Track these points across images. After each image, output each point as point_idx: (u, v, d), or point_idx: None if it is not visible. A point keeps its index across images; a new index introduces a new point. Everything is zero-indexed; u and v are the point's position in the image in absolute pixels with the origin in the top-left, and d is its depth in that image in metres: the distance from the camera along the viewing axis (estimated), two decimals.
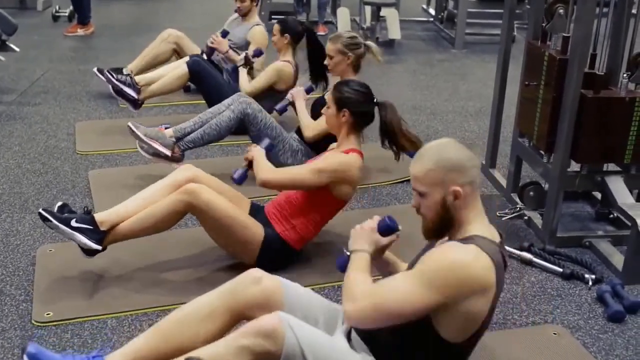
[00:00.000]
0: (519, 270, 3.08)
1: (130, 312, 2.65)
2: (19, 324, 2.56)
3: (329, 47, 3.69)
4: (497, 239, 1.96)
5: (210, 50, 4.73)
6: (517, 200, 3.61)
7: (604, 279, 2.99)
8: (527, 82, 3.44)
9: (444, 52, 7.05)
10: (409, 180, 3.88)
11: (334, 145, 3.15)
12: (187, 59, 4.64)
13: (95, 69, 4.76)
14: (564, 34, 3.23)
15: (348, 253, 2.08)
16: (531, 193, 3.53)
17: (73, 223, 2.70)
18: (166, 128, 3.79)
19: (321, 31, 7.33)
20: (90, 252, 2.76)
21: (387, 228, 2.08)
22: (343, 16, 7.13)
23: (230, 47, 4.70)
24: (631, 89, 3.19)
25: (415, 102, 5.40)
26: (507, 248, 3.13)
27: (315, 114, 3.69)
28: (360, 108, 2.88)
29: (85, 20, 7.08)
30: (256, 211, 3.00)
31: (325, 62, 3.74)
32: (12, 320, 2.58)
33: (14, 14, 5.22)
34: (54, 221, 2.68)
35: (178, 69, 4.50)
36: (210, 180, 2.92)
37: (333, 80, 3.93)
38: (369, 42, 3.71)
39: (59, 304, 2.67)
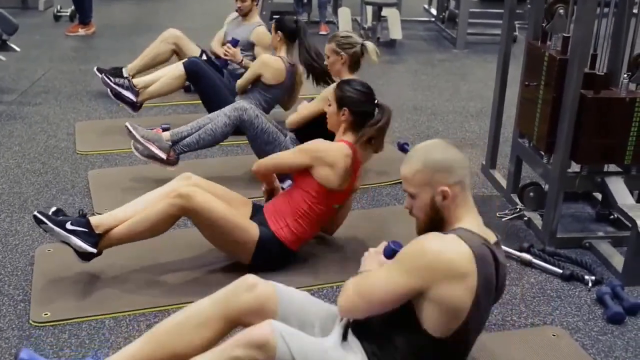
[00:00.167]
0: (519, 271, 3.07)
1: (127, 312, 2.64)
2: (17, 324, 2.56)
3: (326, 47, 3.71)
4: (491, 238, 1.97)
5: (224, 62, 4.75)
6: (517, 200, 3.60)
7: (603, 280, 2.98)
8: (527, 83, 3.43)
9: (445, 52, 7.04)
10: None
11: None
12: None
13: (95, 69, 4.76)
14: (564, 34, 3.22)
15: (392, 245, 2.15)
16: (531, 194, 3.52)
17: (68, 225, 2.69)
18: (165, 129, 3.78)
19: (323, 30, 7.33)
20: (85, 256, 2.75)
21: (391, 252, 2.13)
22: (344, 16, 7.12)
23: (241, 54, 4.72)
24: (632, 90, 3.18)
25: (416, 102, 5.39)
26: (507, 249, 3.13)
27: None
28: (360, 108, 2.90)
29: (86, 20, 7.09)
30: (256, 211, 3.00)
31: (325, 61, 3.74)
32: (10, 320, 2.58)
33: (15, 14, 5.23)
34: (49, 224, 2.68)
35: (175, 69, 4.49)
36: (208, 186, 2.92)
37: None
38: (367, 42, 3.69)
39: (57, 304, 2.67)
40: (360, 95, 2.92)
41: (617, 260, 3.09)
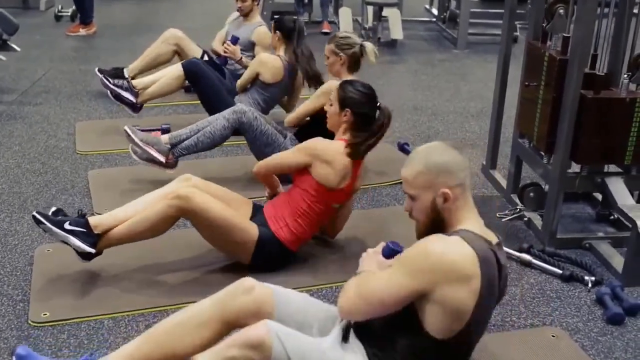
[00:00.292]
0: (518, 271, 3.07)
1: (126, 312, 2.64)
2: (16, 324, 2.56)
3: (326, 48, 3.72)
4: (493, 239, 1.96)
5: (224, 60, 4.76)
6: (517, 201, 3.60)
7: (603, 281, 2.97)
8: (527, 83, 3.43)
9: (445, 52, 7.03)
10: None
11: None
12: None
13: (96, 70, 4.76)
14: (565, 34, 3.21)
15: (391, 244, 2.13)
16: (531, 194, 3.51)
17: (66, 226, 2.70)
18: (166, 129, 3.78)
19: (325, 29, 7.34)
20: (85, 256, 2.75)
21: (389, 252, 2.12)
22: (345, 16, 7.12)
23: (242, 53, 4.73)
24: (632, 90, 3.17)
25: (416, 102, 5.39)
26: (507, 249, 3.12)
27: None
28: (362, 109, 2.91)
29: (87, 20, 7.08)
30: (256, 211, 3.00)
31: (325, 62, 3.75)
32: (9, 320, 2.58)
33: (16, 14, 5.23)
34: (47, 224, 2.68)
35: (174, 70, 4.49)
36: (208, 188, 2.91)
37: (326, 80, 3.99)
38: (365, 43, 3.70)
39: (56, 304, 2.67)
40: (363, 96, 2.93)
41: (617, 260, 3.08)
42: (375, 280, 1.94)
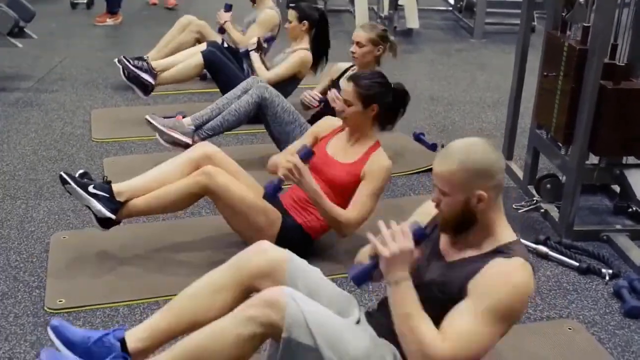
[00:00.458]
0: (535, 264, 3.04)
1: (142, 300, 2.65)
2: (32, 310, 2.57)
3: (361, 35, 3.66)
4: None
5: (221, 29, 4.88)
6: (534, 192, 3.57)
7: (621, 274, 2.94)
8: (546, 73, 3.39)
9: (462, 41, 6.98)
10: (424, 171, 3.88)
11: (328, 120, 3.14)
12: (202, 47, 4.62)
13: (116, 60, 4.73)
14: (585, 24, 3.17)
15: (363, 265, 1.93)
16: (548, 185, 3.48)
17: (91, 189, 2.72)
18: (183, 117, 3.78)
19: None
20: (104, 223, 2.77)
21: (422, 239, 1.88)
22: (361, 5, 7.08)
23: (244, 32, 4.78)
24: None
25: (432, 92, 5.35)
26: (523, 241, 3.09)
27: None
28: (386, 99, 2.89)
29: (114, 10, 7.07)
30: (270, 199, 2.98)
31: (352, 49, 3.69)
32: (25, 306, 2.59)
33: (32, 1, 5.23)
34: (72, 184, 2.71)
35: (194, 57, 4.47)
36: (226, 160, 2.93)
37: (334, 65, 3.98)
38: (393, 39, 3.75)
39: (72, 290, 2.68)
40: (382, 86, 2.88)
41: (635, 253, 3.05)
42: (469, 340, 1.75)
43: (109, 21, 7.03)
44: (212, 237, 3.07)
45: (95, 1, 7.65)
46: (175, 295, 2.63)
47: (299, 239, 2.88)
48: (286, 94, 4.34)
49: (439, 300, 1.84)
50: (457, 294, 1.81)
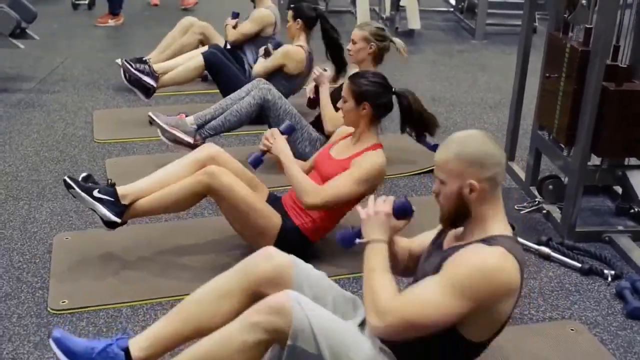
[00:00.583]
0: (537, 264, 3.05)
1: (145, 301, 2.65)
2: (35, 311, 2.57)
3: (355, 33, 3.68)
4: (510, 231, 1.94)
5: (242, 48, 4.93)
6: (536, 193, 3.57)
7: (623, 275, 2.95)
8: (548, 74, 3.39)
9: (463, 42, 6.98)
10: (426, 172, 3.88)
11: (343, 128, 3.12)
12: (204, 49, 4.63)
13: (117, 60, 4.74)
14: (587, 26, 3.17)
15: (352, 229, 2.04)
16: (550, 186, 3.48)
17: (95, 193, 2.73)
18: (186, 116, 3.79)
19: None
20: (110, 225, 2.78)
21: (404, 211, 2.00)
22: (362, 5, 7.08)
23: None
24: None
25: (434, 93, 5.36)
26: (525, 242, 3.12)
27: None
28: (380, 100, 2.84)
29: (116, 11, 7.07)
30: (273, 201, 2.99)
31: (349, 46, 3.72)
32: (29, 307, 2.59)
33: (34, 2, 5.24)
34: (77, 189, 2.71)
35: (194, 59, 4.48)
36: (231, 162, 2.94)
37: (351, 67, 3.96)
38: (396, 39, 3.71)
39: (75, 291, 2.68)
40: (377, 86, 2.85)
41: (637, 254, 3.06)
42: (423, 306, 1.78)
43: (111, 22, 7.03)
44: (214, 238, 3.07)
45: (96, 2, 7.65)
46: (178, 296, 2.67)
47: (297, 241, 2.88)
48: (288, 94, 4.36)
49: None
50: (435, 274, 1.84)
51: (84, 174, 2.84)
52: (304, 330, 1.82)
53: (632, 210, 3.40)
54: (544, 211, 3.45)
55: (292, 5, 4.43)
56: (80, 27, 6.96)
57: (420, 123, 2.89)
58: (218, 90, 4.60)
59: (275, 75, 4.32)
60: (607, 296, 2.83)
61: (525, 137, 4.01)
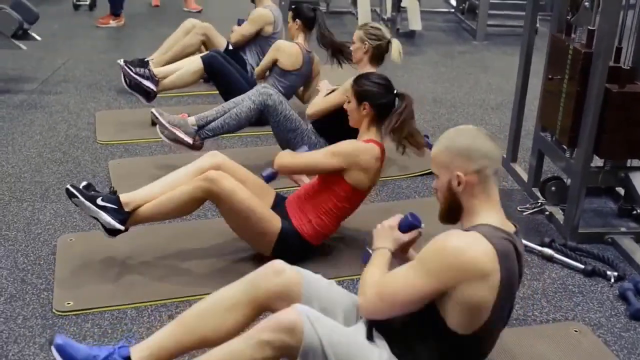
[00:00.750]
0: (540, 266, 3.05)
1: (149, 302, 2.66)
2: (40, 312, 2.58)
3: (355, 33, 3.72)
4: (511, 229, 1.95)
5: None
6: (539, 195, 3.58)
7: (626, 277, 2.95)
8: (550, 76, 3.40)
9: (465, 43, 6.99)
10: (428, 174, 3.89)
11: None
12: (204, 53, 4.64)
13: (119, 61, 4.74)
14: (590, 27, 3.18)
15: (370, 250, 2.11)
16: (553, 188, 3.49)
17: (99, 201, 2.73)
18: (188, 116, 3.80)
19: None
20: (113, 232, 2.78)
21: (408, 225, 2.10)
22: (363, 6, 7.08)
23: None
24: None
25: (436, 94, 5.36)
26: (528, 243, 3.12)
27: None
28: (380, 100, 2.88)
29: (117, 12, 7.06)
30: (278, 202, 3.00)
31: (350, 47, 3.76)
32: (34, 309, 2.60)
33: (35, 3, 5.25)
34: (81, 197, 2.71)
35: (194, 63, 4.49)
36: (235, 169, 2.94)
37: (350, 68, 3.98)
38: (394, 40, 3.69)
39: (79, 293, 2.69)
40: (379, 87, 2.89)
41: None
42: (394, 281, 1.91)
43: (112, 23, 7.04)
44: (218, 240, 3.08)
45: (97, 3, 7.65)
46: (183, 297, 2.68)
47: (297, 245, 2.90)
48: (288, 93, 4.36)
49: None
50: None
51: (84, 183, 2.83)
52: (314, 348, 1.83)
53: (635, 212, 3.41)
54: (547, 212, 3.46)
55: (291, 7, 4.48)
56: (81, 28, 6.96)
57: (400, 129, 2.85)
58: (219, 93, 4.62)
59: (271, 72, 4.39)
60: (610, 297, 2.84)
61: (527, 139, 4.02)
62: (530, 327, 2.65)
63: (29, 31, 5.13)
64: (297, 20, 4.32)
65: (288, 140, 3.68)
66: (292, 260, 2.83)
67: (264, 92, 3.69)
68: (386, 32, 3.70)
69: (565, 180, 3.48)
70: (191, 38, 5.03)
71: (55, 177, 3.73)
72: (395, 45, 3.67)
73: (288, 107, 3.72)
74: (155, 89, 4.45)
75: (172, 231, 3.12)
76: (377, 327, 2.02)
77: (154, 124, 3.70)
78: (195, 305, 2.11)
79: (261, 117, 3.75)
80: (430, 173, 3.84)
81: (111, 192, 2.82)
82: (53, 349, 2.02)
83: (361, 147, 2.87)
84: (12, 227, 3.19)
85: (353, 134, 3.01)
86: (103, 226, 2.76)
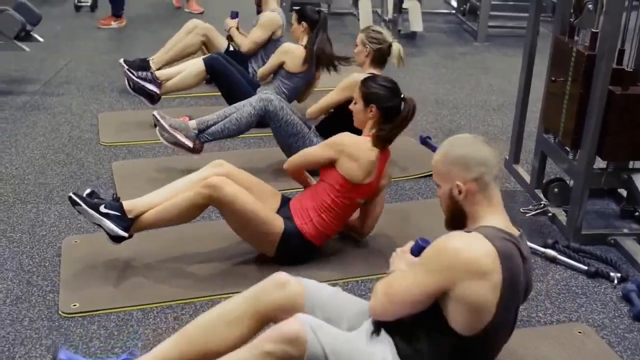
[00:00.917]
0: (543, 267, 3.06)
1: (155, 304, 2.67)
2: (46, 314, 2.59)
3: (357, 36, 3.76)
4: (515, 232, 1.96)
5: (230, 36, 4.96)
6: (541, 196, 3.59)
7: (629, 278, 2.96)
8: (553, 78, 3.41)
9: (466, 45, 7.00)
10: (431, 175, 3.89)
11: None
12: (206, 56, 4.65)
13: (122, 60, 4.75)
14: (593, 30, 3.19)
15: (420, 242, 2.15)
16: (556, 189, 3.50)
17: (102, 209, 2.73)
18: (190, 119, 3.81)
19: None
20: (116, 239, 2.78)
21: (419, 249, 2.13)
22: (365, 8, 7.09)
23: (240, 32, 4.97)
24: None
25: (437, 95, 5.37)
26: (531, 245, 3.12)
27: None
28: (387, 104, 2.92)
29: (118, 13, 7.07)
30: (284, 204, 3.02)
31: (353, 49, 3.80)
32: (40, 310, 2.61)
33: (36, 4, 5.25)
34: (84, 205, 2.72)
35: (195, 65, 4.50)
36: (240, 176, 2.94)
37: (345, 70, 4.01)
38: (395, 44, 3.70)
39: (85, 295, 2.70)
40: (387, 91, 2.94)
41: None
42: (400, 281, 1.96)
43: (114, 24, 7.04)
44: (223, 241, 3.08)
45: (98, 4, 7.65)
46: (188, 299, 2.69)
47: (300, 246, 2.91)
48: (291, 95, 4.38)
49: None
50: None
51: (87, 190, 2.84)
52: (317, 357, 1.85)
53: (637, 213, 3.42)
54: (550, 214, 3.47)
55: (295, 8, 4.48)
56: (83, 29, 6.96)
57: (396, 132, 2.96)
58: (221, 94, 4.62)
59: (276, 73, 4.40)
60: (614, 299, 2.85)
61: (529, 140, 4.03)
62: (535, 328, 2.66)
63: (31, 32, 5.13)
64: (302, 22, 4.32)
65: (290, 144, 3.70)
66: (295, 261, 2.88)
67: (265, 97, 3.69)
68: (388, 36, 3.72)
69: (568, 182, 3.50)
70: (192, 38, 5.04)
71: (59, 179, 3.74)
72: (396, 51, 3.70)
73: (289, 112, 3.72)
74: (158, 92, 4.46)
75: (176, 233, 3.13)
76: (384, 327, 2.03)
77: (155, 125, 3.70)
78: (199, 318, 2.12)
79: (262, 122, 3.76)
80: (432, 174, 3.87)
81: (114, 199, 2.82)
82: None
83: (353, 137, 2.93)
84: (16, 229, 3.20)
85: (356, 134, 3.02)
86: (107, 233, 2.77)
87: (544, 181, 3.64)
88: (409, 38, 6.98)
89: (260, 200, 2.86)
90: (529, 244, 3.06)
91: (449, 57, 6.53)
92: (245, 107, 3.71)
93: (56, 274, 2.84)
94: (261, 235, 2.85)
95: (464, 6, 7.85)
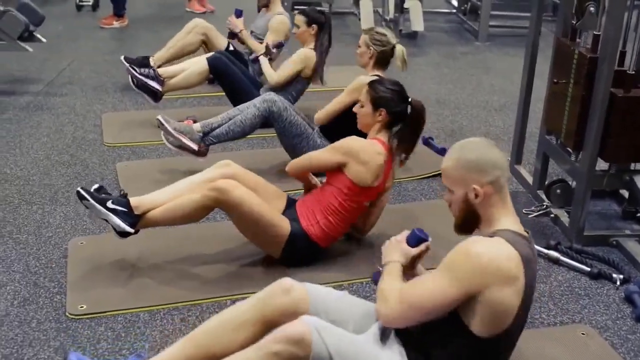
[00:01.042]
0: (546, 268, 3.08)
1: (162, 305, 2.69)
2: (54, 316, 2.61)
3: (361, 37, 3.76)
4: (525, 234, 1.99)
5: (231, 34, 4.86)
6: (544, 197, 3.61)
7: (631, 279, 2.99)
8: (556, 80, 3.42)
9: (467, 44, 7.01)
10: (434, 176, 3.92)
11: None
12: (209, 54, 4.66)
13: (122, 58, 4.76)
14: (595, 32, 3.21)
15: (381, 268, 2.15)
16: (558, 191, 3.52)
17: (109, 204, 2.76)
18: (194, 122, 3.83)
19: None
20: (123, 234, 2.81)
21: (416, 239, 2.14)
22: (366, 7, 7.09)
23: (254, 35, 4.84)
24: None
25: (439, 95, 5.39)
26: (535, 246, 3.14)
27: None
28: (396, 107, 2.94)
29: (120, 13, 7.07)
30: (289, 205, 3.03)
31: (356, 50, 3.80)
32: (47, 312, 2.63)
33: (38, 4, 5.26)
34: (91, 200, 2.74)
35: (199, 64, 4.51)
36: (246, 177, 2.96)
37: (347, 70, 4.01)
38: (399, 46, 3.71)
39: (92, 296, 2.72)
40: (395, 94, 2.96)
41: None
42: (420, 290, 1.93)
43: (115, 24, 7.05)
44: (228, 242, 3.10)
45: (100, 3, 7.66)
46: (195, 300, 2.72)
47: (306, 247, 2.93)
48: (296, 97, 4.39)
49: None
50: None
51: (95, 185, 2.87)
52: (322, 358, 1.87)
53: (639, 215, 3.44)
54: (552, 215, 3.49)
55: (301, 9, 4.45)
56: (84, 29, 6.97)
57: (412, 137, 2.99)
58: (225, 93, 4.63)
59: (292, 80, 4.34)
60: (617, 300, 2.87)
61: (531, 141, 4.05)
62: (538, 329, 2.68)
63: (34, 33, 5.14)
64: (313, 25, 4.27)
65: (294, 145, 3.72)
66: (300, 263, 2.90)
67: (268, 99, 3.71)
68: (391, 38, 3.72)
69: (570, 183, 3.52)
70: (191, 37, 5.05)
71: (64, 180, 3.75)
72: (400, 54, 3.69)
73: (293, 113, 3.73)
74: (161, 89, 4.48)
75: (182, 234, 3.15)
76: (395, 332, 2.05)
77: (159, 126, 3.72)
78: (206, 323, 2.15)
79: (266, 122, 3.78)
80: (436, 175, 3.89)
81: (121, 195, 2.85)
82: None
83: (361, 141, 2.94)
84: (22, 230, 3.22)
85: (360, 136, 3.04)
86: (114, 229, 2.79)
87: (546, 182, 3.66)
88: (410, 38, 6.99)
89: (266, 202, 2.88)
90: None
91: (450, 56, 6.55)
92: (249, 109, 3.73)
93: (63, 276, 2.86)
94: (268, 237, 2.87)
95: (465, 5, 7.86)
